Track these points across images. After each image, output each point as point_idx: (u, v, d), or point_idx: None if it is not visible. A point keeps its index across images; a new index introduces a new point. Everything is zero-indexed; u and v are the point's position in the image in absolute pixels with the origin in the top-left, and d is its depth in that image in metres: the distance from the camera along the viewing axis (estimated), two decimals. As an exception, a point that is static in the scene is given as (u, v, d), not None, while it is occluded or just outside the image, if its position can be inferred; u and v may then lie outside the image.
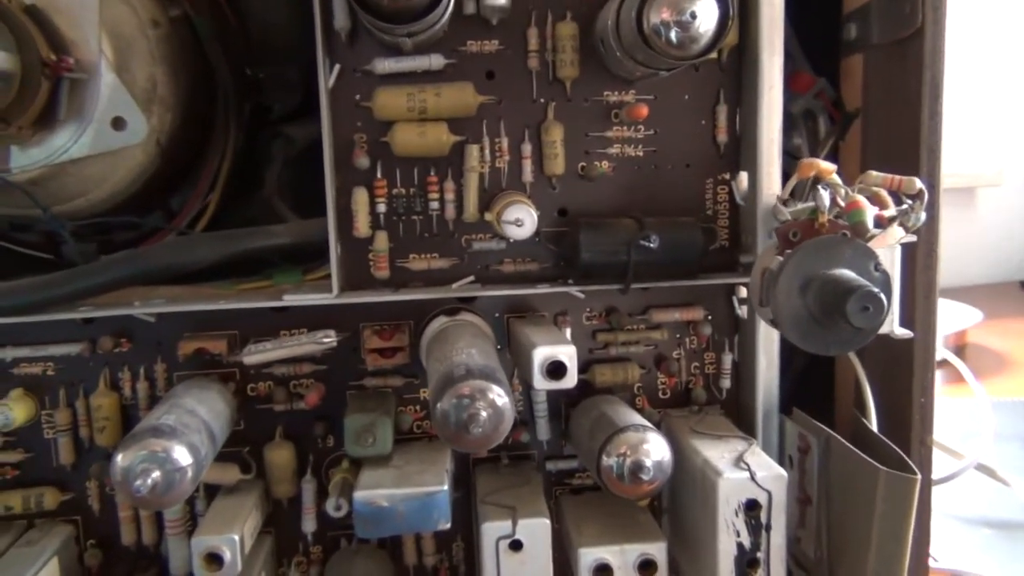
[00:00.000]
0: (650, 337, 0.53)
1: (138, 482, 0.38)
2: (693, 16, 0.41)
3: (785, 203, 0.42)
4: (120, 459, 0.38)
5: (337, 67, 0.48)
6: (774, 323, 0.37)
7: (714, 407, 0.53)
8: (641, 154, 0.51)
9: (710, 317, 0.53)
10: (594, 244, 0.48)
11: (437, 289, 0.50)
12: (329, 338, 0.48)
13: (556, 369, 0.43)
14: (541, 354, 0.43)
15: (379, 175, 0.49)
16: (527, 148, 0.50)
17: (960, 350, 1.21)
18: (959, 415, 0.79)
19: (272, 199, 0.55)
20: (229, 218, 0.56)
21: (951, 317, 1.24)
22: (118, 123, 0.47)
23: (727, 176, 0.51)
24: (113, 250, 0.54)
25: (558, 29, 0.49)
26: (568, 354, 0.43)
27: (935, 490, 0.65)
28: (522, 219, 0.47)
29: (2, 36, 0.42)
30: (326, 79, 0.48)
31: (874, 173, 0.39)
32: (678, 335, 0.53)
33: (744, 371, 0.52)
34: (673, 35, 0.42)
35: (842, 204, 0.37)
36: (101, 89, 0.46)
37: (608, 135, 0.51)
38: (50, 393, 0.49)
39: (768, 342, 0.51)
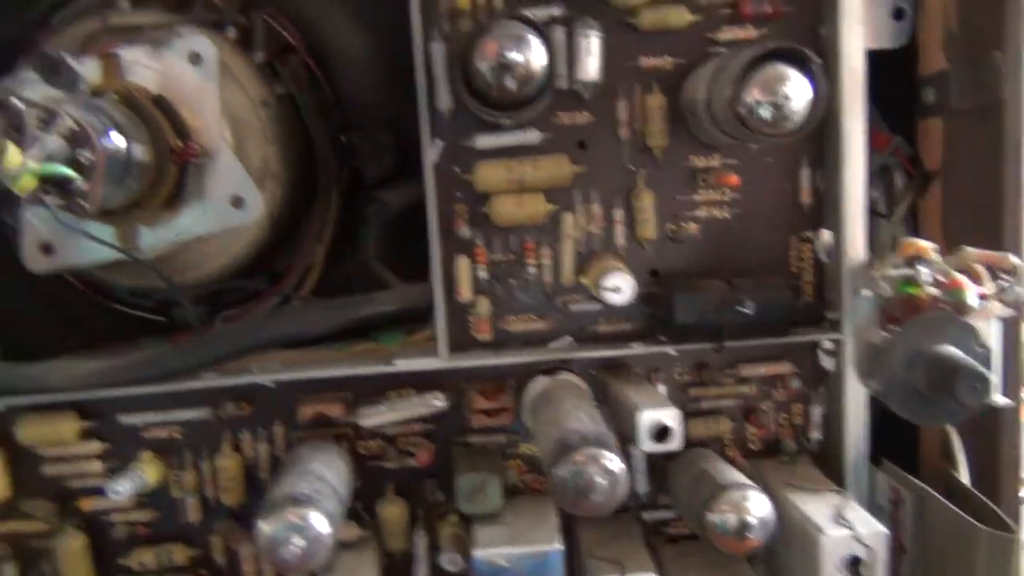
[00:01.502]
0: (739, 391, 0.55)
1: (283, 550, 0.41)
2: (787, 97, 0.43)
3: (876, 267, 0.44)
4: (265, 528, 0.41)
5: (439, 143, 0.51)
6: (881, 395, 0.39)
7: (803, 456, 0.55)
8: (727, 215, 0.53)
9: (797, 370, 0.55)
10: (688, 307, 0.50)
11: (537, 351, 0.52)
12: (439, 401, 0.51)
13: (662, 433, 0.46)
14: (648, 419, 0.46)
15: (479, 243, 0.52)
16: (619, 213, 0.52)
17: None
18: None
19: (370, 261, 0.58)
20: (330, 278, 0.58)
21: None
22: (237, 202, 0.50)
23: (810, 234, 0.53)
24: (221, 309, 0.57)
25: (647, 101, 0.51)
26: (674, 418, 0.46)
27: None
28: (620, 286, 0.49)
29: (137, 129, 0.46)
30: (429, 155, 0.51)
31: (970, 250, 0.41)
32: (766, 387, 0.55)
33: (832, 422, 0.54)
34: (767, 114, 0.44)
35: (942, 279, 0.39)
36: (221, 170, 0.49)
37: (695, 198, 0.53)
38: (177, 455, 0.53)
39: (856, 395, 0.52)
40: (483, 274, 0.52)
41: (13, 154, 0.37)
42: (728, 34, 0.51)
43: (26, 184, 0.37)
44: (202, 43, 0.48)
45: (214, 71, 0.49)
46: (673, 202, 0.53)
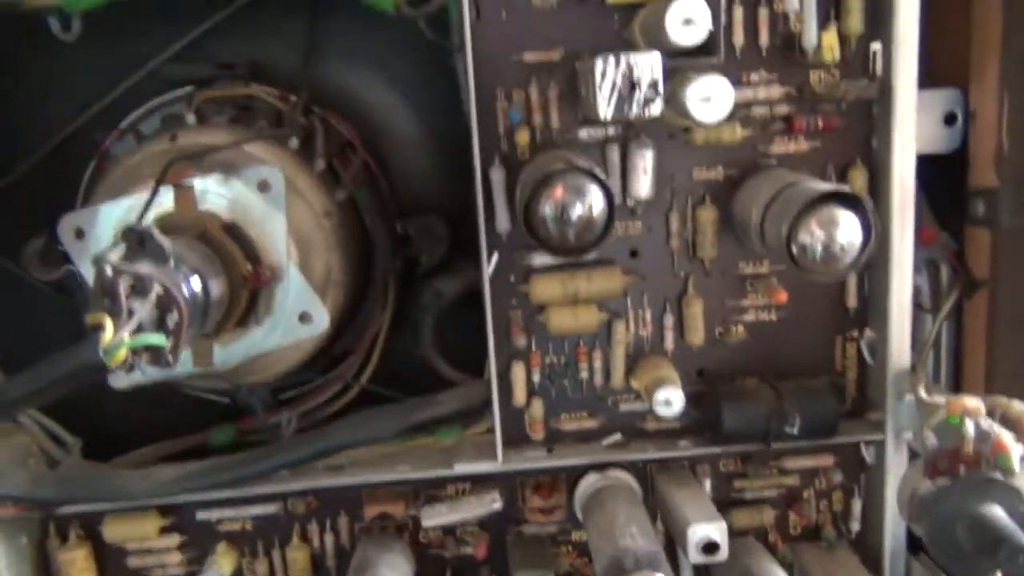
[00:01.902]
0: (782, 481, 0.57)
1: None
2: (840, 240, 0.44)
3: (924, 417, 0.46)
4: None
5: (496, 257, 0.53)
6: (923, 542, 0.42)
7: (843, 543, 0.57)
8: (774, 318, 0.55)
9: (839, 462, 0.57)
10: (736, 415, 0.52)
11: (589, 450, 0.55)
12: (496, 503, 0.54)
13: (711, 547, 0.48)
14: (698, 534, 0.48)
15: (534, 348, 0.54)
16: (669, 319, 0.54)
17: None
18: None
19: (427, 351, 0.60)
20: (388, 362, 0.61)
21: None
22: (304, 317, 0.52)
23: (856, 334, 0.55)
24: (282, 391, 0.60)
25: (699, 214, 0.53)
26: (721, 531, 0.48)
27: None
28: (671, 400, 0.51)
29: (212, 265, 0.48)
30: (487, 268, 0.52)
31: (1017, 404, 0.42)
32: (808, 477, 0.57)
33: (872, 513, 0.56)
34: (819, 255, 0.45)
35: (988, 436, 0.41)
36: (289, 289, 0.52)
37: (744, 303, 0.54)
38: (250, 545, 0.56)
39: (895, 488, 0.54)
40: (537, 377, 0.55)
41: (110, 329, 0.39)
42: (780, 147, 0.52)
43: (120, 357, 0.40)
44: (271, 173, 0.50)
45: (281, 198, 0.51)
46: (722, 307, 0.54)
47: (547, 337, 0.54)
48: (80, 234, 0.51)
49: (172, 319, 0.42)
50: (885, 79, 0.50)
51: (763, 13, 0.50)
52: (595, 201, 0.44)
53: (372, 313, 0.60)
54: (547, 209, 0.44)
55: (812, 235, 0.45)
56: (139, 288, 0.41)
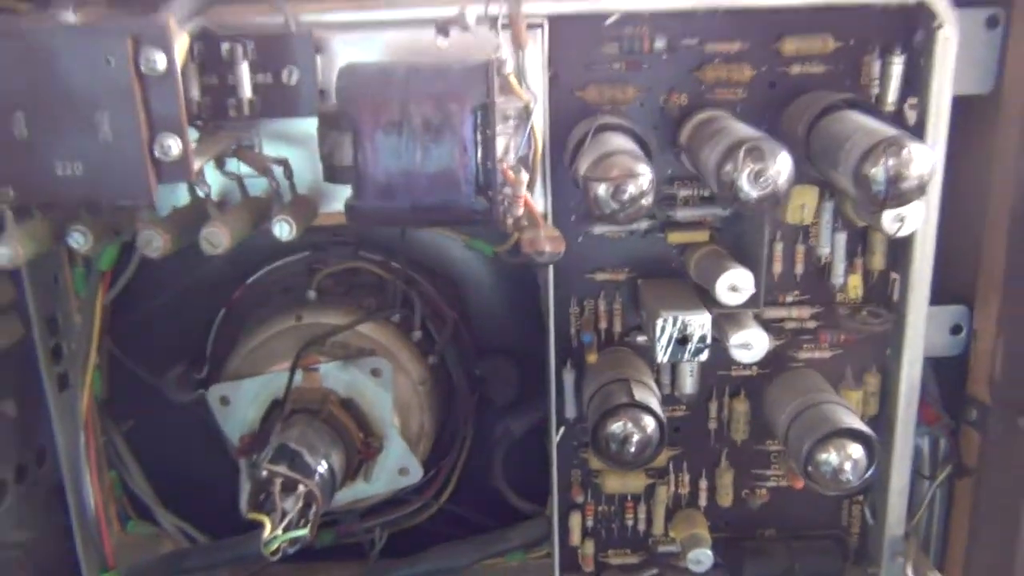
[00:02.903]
0: (792, 611, 0.68)
1: None
2: (848, 470, 0.54)
3: None
4: None
5: (563, 429, 0.63)
6: None
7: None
8: (792, 485, 0.65)
9: (840, 602, 0.68)
10: (755, 570, 0.63)
11: (630, 584, 0.66)
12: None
13: None
14: None
15: (589, 500, 0.65)
16: (703, 483, 0.65)
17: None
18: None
19: (497, 481, 0.71)
20: (463, 487, 0.72)
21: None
22: (403, 471, 0.63)
23: (861, 498, 0.65)
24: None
25: (734, 404, 0.63)
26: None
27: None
28: (702, 560, 0.62)
29: (334, 442, 0.59)
30: (555, 438, 0.63)
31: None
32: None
33: (864, 644, 0.68)
34: (828, 476, 0.55)
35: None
36: (391, 450, 0.63)
37: (767, 473, 0.65)
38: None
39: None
40: (590, 523, 0.66)
41: (268, 528, 0.51)
42: (807, 354, 0.62)
43: (275, 548, 0.51)
44: (381, 362, 0.61)
45: (389, 381, 0.61)
46: (749, 475, 0.65)
47: (600, 490, 0.65)
48: (225, 401, 0.62)
49: (312, 510, 0.54)
50: (901, 304, 0.59)
51: (800, 248, 0.59)
52: (650, 432, 0.54)
53: (452, 444, 0.72)
54: (611, 437, 0.54)
55: (825, 463, 0.55)
56: (287, 486, 0.53)
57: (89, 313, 0.60)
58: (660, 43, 0.54)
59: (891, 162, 0.44)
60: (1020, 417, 0.56)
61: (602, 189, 0.45)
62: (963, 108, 0.56)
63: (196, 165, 0.43)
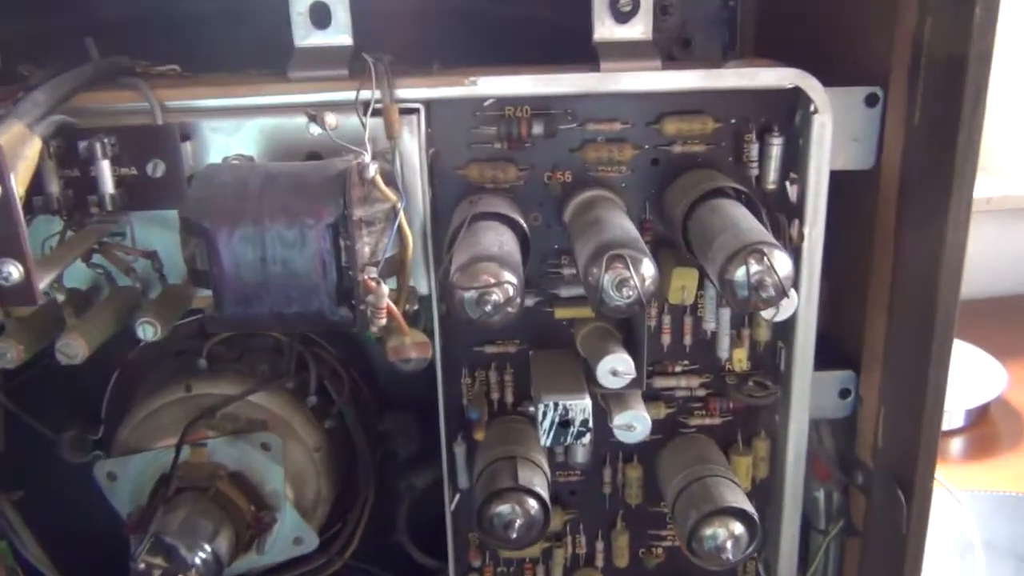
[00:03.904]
0: (688, 664, 0.70)
1: None
2: (731, 550, 0.55)
3: None
4: None
5: (458, 497, 0.63)
6: None
7: None
8: (687, 544, 0.66)
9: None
10: (648, 631, 0.64)
11: (529, 643, 0.67)
12: None
13: None
14: None
15: (487, 562, 0.66)
16: (599, 544, 0.65)
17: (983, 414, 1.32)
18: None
19: (400, 536, 0.71)
20: (367, 541, 0.72)
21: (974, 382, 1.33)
22: (297, 541, 0.63)
23: (756, 556, 0.66)
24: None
25: (627, 470, 0.63)
26: None
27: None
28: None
29: (222, 521, 0.58)
30: (449, 506, 0.63)
31: None
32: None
33: None
34: (711, 553, 0.56)
35: None
36: (285, 522, 0.62)
37: (663, 533, 0.66)
38: None
39: None
40: (489, 583, 0.66)
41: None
42: (698, 420, 0.62)
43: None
44: (271, 438, 0.60)
45: (280, 454, 0.61)
46: (645, 536, 0.66)
47: (499, 556, 0.65)
48: (112, 477, 0.62)
49: (194, 603, 0.53)
50: (786, 374, 0.60)
51: (688, 321, 0.59)
52: (534, 515, 0.54)
53: (354, 501, 0.71)
54: (496, 521, 0.54)
55: (709, 539, 0.55)
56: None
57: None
58: (538, 128, 0.53)
59: (753, 268, 0.45)
60: (897, 486, 0.57)
61: (468, 296, 0.44)
62: (848, 182, 0.56)
63: (45, 281, 0.42)
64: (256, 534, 0.61)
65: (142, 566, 0.52)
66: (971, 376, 1.32)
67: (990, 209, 1.60)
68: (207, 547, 0.55)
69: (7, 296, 0.40)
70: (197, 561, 0.54)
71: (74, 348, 0.45)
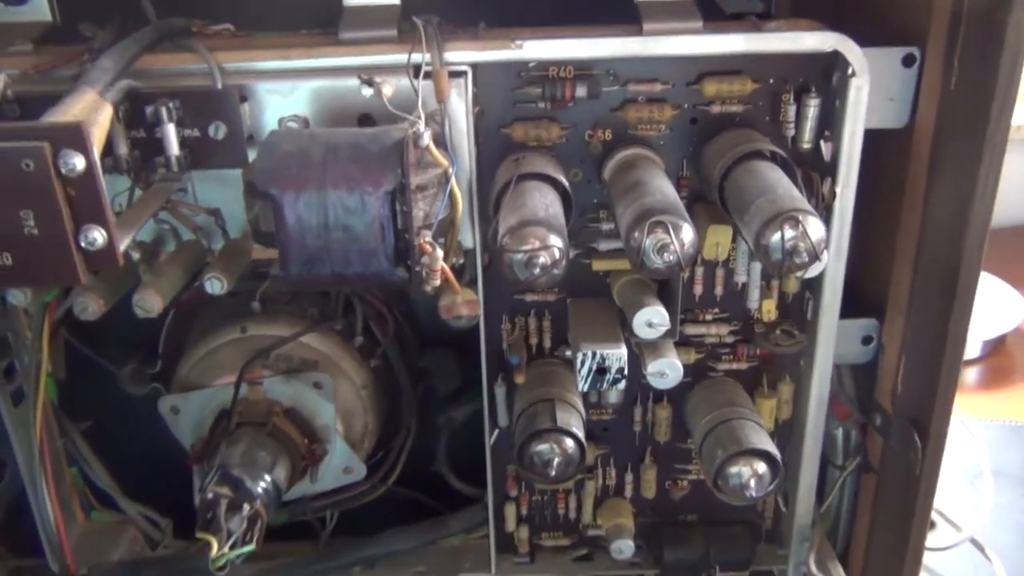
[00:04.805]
0: None
1: None
2: (754, 487, 0.59)
3: None
4: None
5: (497, 431, 0.67)
6: None
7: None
8: (712, 477, 0.70)
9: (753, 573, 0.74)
10: (673, 555, 0.69)
11: (563, 565, 0.72)
12: (490, 603, 0.72)
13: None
14: None
15: (523, 491, 0.70)
16: (628, 477, 0.70)
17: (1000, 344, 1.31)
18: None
19: (440, 466, 0.76)
20: (408, 472, 0.77)
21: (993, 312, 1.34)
22: (347, 471, 0.68)
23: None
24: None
25: (656, 409, 0.67)
26: None
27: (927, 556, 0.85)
28: (623, 549, 0.68)
29: (279, 452, 0.63)
30: (488, 440, 0.67)
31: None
32: None
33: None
34: (737, 490, 0.60)
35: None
36: (335, 453, 0.67)
37: (688, 467, 0.70)
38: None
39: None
40: (524, 511, 0.71)
41: (215, 547, 0.55)
42: (726, 365, 0.65)
43: (221, 565, 0.56)
44: (323, 377, 0.64)
45: (331, 392, 0.65)
46: (672, 469, 0.70)
47: (534, 486, 0.70)
48: (175, 410, 0.66)
49: (258, 525, 0.58)
50: (813, 323, 0.63)
51: (720, 273, 0.62)
52: (571, 453, 0.58)
53: (398, 431, 0.76)
54: (535, 457, 0.58)
55: (734, 477, 0.59)
56: (233, 506, 0.57)
57: (37, 335, 0.62)
58: (581, 90, 0.55)
59: (788, 235, 0.47)
60: (913, 430, 0.61)
61: (517, 258, 0.47)
62: (881, 139, 0.58)
63: (124, 242, 0.45)
64: (310, 464, 0.66)
65: (210, 496, 0.56)
66: (990, 306, 1.34)
67: (1020, 138, 1.59)
68: (267, 477, 0.60)
69: (93, 259, 0.43)
70: (260, 491, 0.58)
71: (150, 303, 0.49)
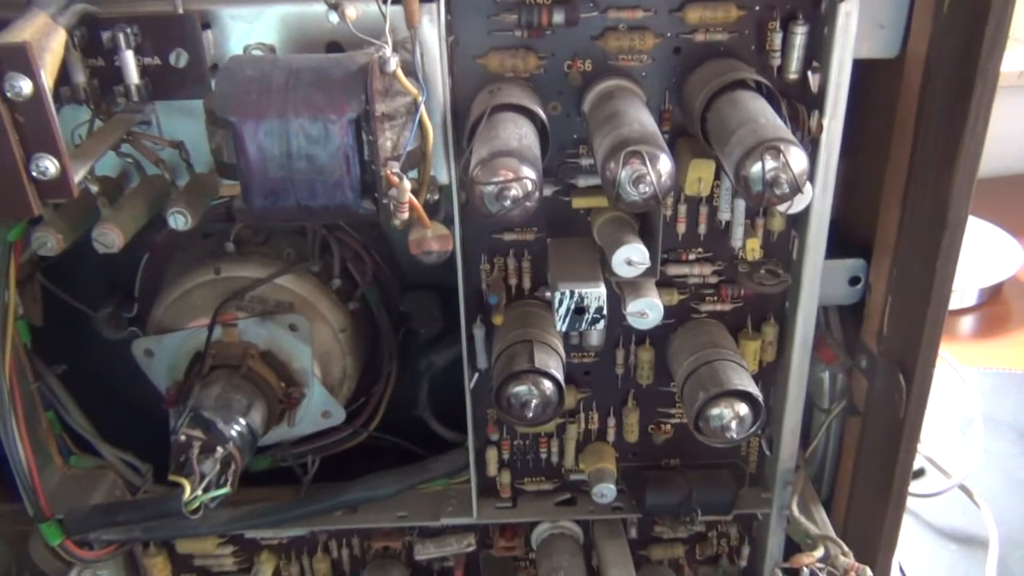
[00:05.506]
0: (691, 528, 0.74)
1: None
2: (736, 428, 0.58)
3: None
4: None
5: (477, 375, 0.66)
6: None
7: (734, 569, 0.76)
8: (696, 421, 0.69)
9: (736, 518, 0.73)
10: (655, 500, 0.68)
11: (544, 509, 0.71)
12: (471, 546, 0.71)
13: None
14: (614, 596, 0.66)
15: (504, 436, 0.69)
16: (611, 421, 0.69)
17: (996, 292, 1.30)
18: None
19: (422, 411, 0.75)
20: (391, 414, 0.76)
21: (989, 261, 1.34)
22: (326, 415, 0.67)
23: (760, 433, 0.70)
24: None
25: (639, 352, 0.66)
26: None
27: (915, 502, 0.86)
28: (606, 493, 0.67)
29: (254, 395, 0.62)
30: (468, 385, 0.66)
31: (843, 560, 0.58)
32: (712, 524, 0.74)
33: (756, 557, 0.74)
34: (717, 432, 0.59)
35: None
36: (313, 397, 0.66)
37: (671, 411, 0.69)
38: (285, 555, 0.74)
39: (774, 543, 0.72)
40: (506, 456, 0.70)
41: (188, 489, 0.54)
42: (710, 306, 0.64)
43: (195, 508, 0.55)
44: (299, 319, 0.63)
45: (307, 335, 0.64)
46: (654, 413, 0.69)
47: (516, 430, 0.69)
48: (149, 353, 0.65)
49: (232, 468, 0.57)
50: (798, 262, 0.61)
51: (703, 211, 0.60)
52: (549, 395, 0.57)
53: (379, 376, 0.75)
54: (514, 401, 0.57)
55: (715, 419, 0.58)
56: (206, 448, 0.56)
57: (3, 274, 0.60)
58: (559, 16, 0.53)
59: (769, 165, 0.45)
60: (899, 372, 0.59)
61: (488, 190, 0.46)
62: (870, 70, 0.56)
63: (80, 173, 0.43)
64: (287, 408, 0.65)
65: (183, 438, 0.55)
66: (987, 254, 1.33)
67: (1020, 85, 1.56)
68: (242, 420, 0.59)
69: (45, 190, 0.41)
70: (233, 433, 0.57)
71: (110, 237, 0.47)
